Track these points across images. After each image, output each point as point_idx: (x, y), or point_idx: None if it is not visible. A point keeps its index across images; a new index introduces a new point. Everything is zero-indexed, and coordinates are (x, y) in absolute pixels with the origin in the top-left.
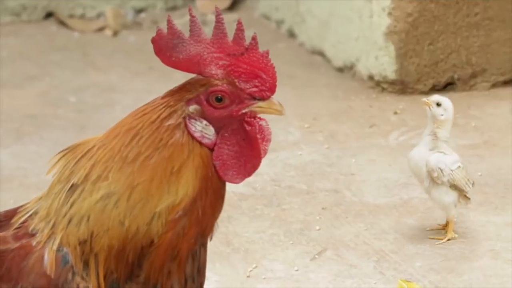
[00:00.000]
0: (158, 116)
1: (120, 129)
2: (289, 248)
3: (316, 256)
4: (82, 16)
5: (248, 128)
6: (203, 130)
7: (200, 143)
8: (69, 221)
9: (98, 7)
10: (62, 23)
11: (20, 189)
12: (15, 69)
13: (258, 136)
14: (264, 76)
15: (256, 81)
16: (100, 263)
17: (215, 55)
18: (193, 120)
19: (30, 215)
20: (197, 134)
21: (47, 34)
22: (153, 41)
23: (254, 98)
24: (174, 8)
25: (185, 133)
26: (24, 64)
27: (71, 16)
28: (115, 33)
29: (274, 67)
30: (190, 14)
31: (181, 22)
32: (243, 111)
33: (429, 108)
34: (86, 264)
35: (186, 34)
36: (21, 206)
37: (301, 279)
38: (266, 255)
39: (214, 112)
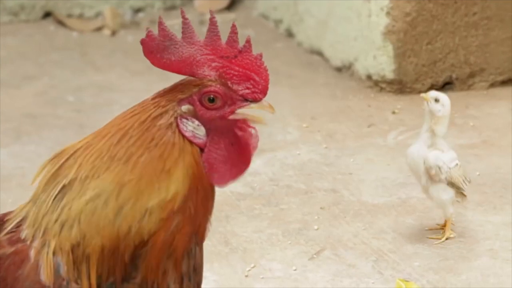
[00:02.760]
0: (149, 116)
1: (109, 129)
2: (288, 247)
3: (315, 256)
4: (81, 16)
5: (239, 133)
6: (195, 130)
7: (191, 143)
8: (62, 226)
9: (96, 6)
10: (60, 22)
11: (19, 188)
12: (13, 69)
13: (251, 142)
14: (257, 79)
15: (249, 83)
16: (92, 265)
17: (208, 57)
18: (184, 120)
19: (21, 220)
20: (188, 134)
21: (45, 33)
22: (143, 42)
23: (246, 100)
24: (172, 8)
25: (176, 132)
26: (23, 63)
27: (69, 15)
28: (113, 33)
29: (267, 70)
30: (183, 17)
31: (179, 22)
32: (235, 112)
33: (427, 103)
34: (79, 267)
35: (179, 35)
36: (11, 212)
37: (299, 279)
38: (265, 254)
39: (206, 113)
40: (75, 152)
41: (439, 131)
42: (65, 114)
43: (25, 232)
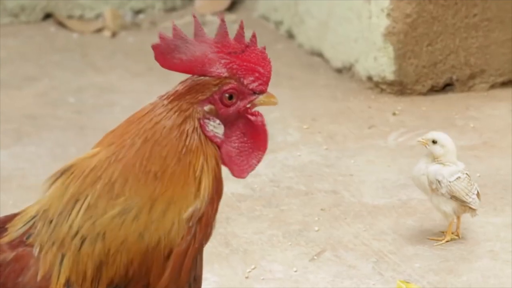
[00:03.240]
0: (174, 123)
1: (132, 140)
2: (288, 249)
3: (315, 257)
4: (81, 17)
5: (253, 118)
6: (215, 129)
7: (212, 143)
8: (82, 241)
9: (97, 8)
10: (61, 24)
11: (19, 190)
12: (14, 70)
13: (263, 128)
14: (262, 71)
15: (255, 76)
16: (111, 279)
17: (219, 54)
18: (207, 120)
19: (26, 225)
20: (210, 134)
21: (46, 35)
22: (155, 46)
23: (255, 93)
24: (172, 9)
25: (201, 135)
26: (23, 65)
27: (70, 17)
28: (114, 34)
29: (270, 62)
30: (193, 16)
31: (180, 23)
32: (247, 106)
33: (426, 146)
34: (95, 281)
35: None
36: (17, 214)
37: (300, 280)
38: (265, 256)
39: (226, 110)
40: (96, 166)
41: (447, 161)
42: (65, 115)
43: (32, 239)
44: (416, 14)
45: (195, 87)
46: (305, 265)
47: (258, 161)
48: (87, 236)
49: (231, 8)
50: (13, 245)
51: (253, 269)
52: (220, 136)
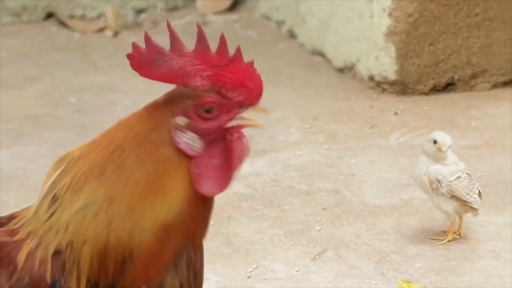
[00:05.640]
0: (142, 129)
1: (101, 140)
2: (290, 248)
3: (317, 257)
4: (83, 17)
5: (233, 141)
6: (190, 142)
7: (186, 155)
8: (49, 230)
9: (99, 7)
10: (62, 23)
11: (20, 189)
12: (15, 70)
13: (239, 151)
14: (251, 85)
15: (243, 89)
16: (83, 273)
17: (199, 67)
18: (179, 132)
19: (21, 220)
20: (182, 146)
21: (47, 34)
22: (130, 57)
23: (242, 106)
24: (174, 9)
25: (171, 146)
26: (25, 64)
27: (72, 16)
28: (116, 34)
29: (259, 77)
30: (170, 30)
31: (181, 23)
32: (234, 120)
33: (442, 150)
34: (68, 273)
35: (179, 38)
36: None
37: (301, 280)
38: (267, 255)
39: (203, 124)
40: (71, 160)
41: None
42: (66, 115)
43: (21, 230)
44: (418, 14)
45: (171, 98)
46: (306, 265)
47: (229, 183)
48: (53, 225)
49: (233, 7)
50: (14, 232)
51: (255, 268)
52: (196, 149)
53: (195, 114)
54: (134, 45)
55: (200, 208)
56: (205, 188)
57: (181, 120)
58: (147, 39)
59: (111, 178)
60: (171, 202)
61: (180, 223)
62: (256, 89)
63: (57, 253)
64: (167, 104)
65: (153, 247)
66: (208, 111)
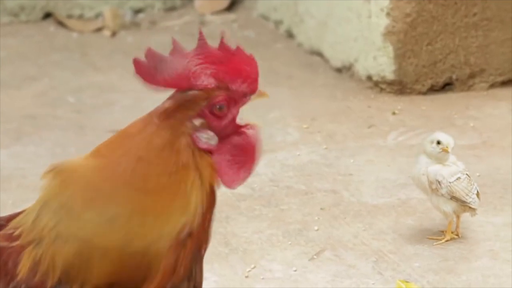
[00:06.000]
0: (162, 139)
1: (113, 152)
2: (288, 248)
3: (315, 257)
4: (81, 17)
5: (246, 135)
6: (208, 140)
7: (207, 155)
8: (55, 238)
9: (97, 7)
10: (60, 23)
11: (19, 189)
12: (13, 70)
13: (255, 143)
14: (248, 69)
15: (242, 77)
16: (90, 283)
17: (202, 65)
18: (199, 133)
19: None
20: (204, 146)
21: (45, 34)
22: (137, 73)
23: (245, 95)
24: (172, 9)
25: (194, 150)
26: (23, 64)
27: (70, 16)
28: (114, 34)
29: (256, 62)
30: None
31: (179, 23)
32: (240, 109)
33: (448, 151)
34: (72, 281)
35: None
36: (19, 213)
37: (299, 280)
38: (265, 255)
39: (218, 121)
40: (75, 170)
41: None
42: (65, 115)
43: (19, 234)
44: (415, 14)
45: (184, 104)
46: (304, 265)
47: (249, 174)
48: (61, 234)
49: (231, 7)
50: (4, 236)
51: (253, 268)
52: (215, 146)
53: (210, 114)
54: (135, 60)
55: (210, 215)
56: (226, 181)
57: (199, 121)
58: (148, 50)
59: (137, 190)
60: (193, 207)
61: (196, 231)
62: (253, 74)
63: (66, 261)
64: (181, 109)
65: (176, 255)
66: (220, 109)
